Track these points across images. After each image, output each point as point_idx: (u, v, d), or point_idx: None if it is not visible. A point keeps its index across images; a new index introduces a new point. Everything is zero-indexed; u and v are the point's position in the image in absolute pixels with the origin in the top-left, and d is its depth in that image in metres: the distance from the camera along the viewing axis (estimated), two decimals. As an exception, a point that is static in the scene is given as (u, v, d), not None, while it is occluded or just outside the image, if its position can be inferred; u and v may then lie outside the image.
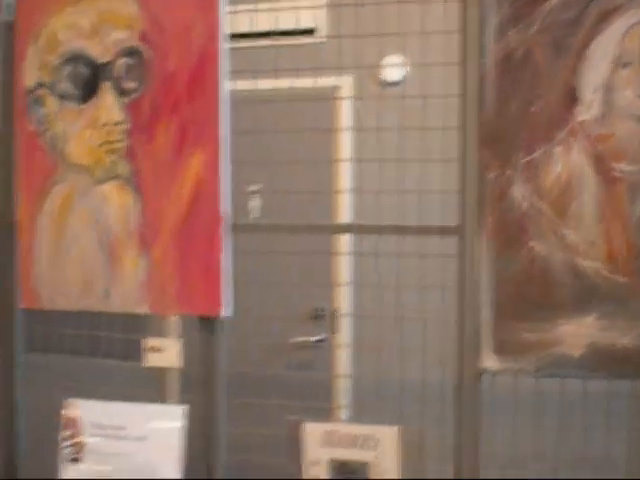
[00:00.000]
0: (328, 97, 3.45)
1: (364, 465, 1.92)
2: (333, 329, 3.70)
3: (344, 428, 1.95)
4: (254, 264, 2.62)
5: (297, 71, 2.63)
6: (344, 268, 3.52)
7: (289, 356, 3.69)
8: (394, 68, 3.07)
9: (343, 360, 3.59)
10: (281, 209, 2.87)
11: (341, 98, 3.46)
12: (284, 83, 2.86)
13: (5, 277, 2.45)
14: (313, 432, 1.97)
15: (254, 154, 2.63)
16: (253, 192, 3.66)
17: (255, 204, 3.66)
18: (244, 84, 2.50)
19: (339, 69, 2.95)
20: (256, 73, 2.74)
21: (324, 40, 3.44)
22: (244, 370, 2.45)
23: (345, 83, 3.49)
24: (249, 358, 2.70)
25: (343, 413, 3.38)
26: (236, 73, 2.22)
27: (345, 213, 3.53)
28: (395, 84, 3.23)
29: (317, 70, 2.75)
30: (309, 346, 3.72)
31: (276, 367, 3.47)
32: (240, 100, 2.23)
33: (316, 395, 2.62)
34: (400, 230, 2.18)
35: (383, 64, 3.17)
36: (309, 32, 3.43)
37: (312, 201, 2.84)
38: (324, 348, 3.71)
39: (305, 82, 2.88)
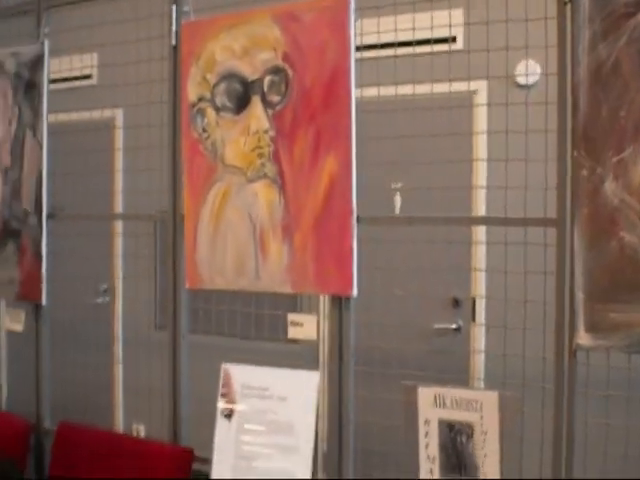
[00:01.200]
0: (465, 101, 3.74)
1: (469, 425, 2.24)
2: (471, 317, 3.98)
3: (452, 392, 2.28)
4: (399, 253, 2.99)
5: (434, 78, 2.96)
6: (480, 257, 3.81)
7: (429, 341, 4.01)
8: (523, 75, 3.34)
9: (479, 344, 3.88)
10: (423, 204, 3.19)
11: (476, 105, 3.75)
12: (424, 89, 3.19)
13: (175, 261, 2.94)
14: (426, 395, 2.32)
15: (399, 155, 2.98)
16: (396, 189, 4.02)
17: (398, 199, 4.02)
18: (387, 90, 2.87)
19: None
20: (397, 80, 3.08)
21: (460, 48, 3.74)
22: (379, 346, 2.80)
23: (480, 87, 3.78)
24: (387, 337, 3.05)
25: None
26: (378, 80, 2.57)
27: (480, 206, 3.82)
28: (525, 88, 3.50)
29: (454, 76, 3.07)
30: (448, 333, 4.03)
31: (414, 350, 3.81)
32: (383, 106, 2.59)
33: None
34: (506, 222, 2.48)
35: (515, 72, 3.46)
36: (446, 40, 3.73)
37: (449, 197, 3.16)
38: (461, 335, 4.01)
39: (443, 87, 3.20)
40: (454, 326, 4.02)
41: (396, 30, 2.78)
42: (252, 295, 2.87)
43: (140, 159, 3.91)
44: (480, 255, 3.77)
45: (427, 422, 2.32)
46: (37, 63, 3.18)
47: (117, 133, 5.14)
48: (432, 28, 2.92)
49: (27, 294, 3.26)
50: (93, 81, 5.13)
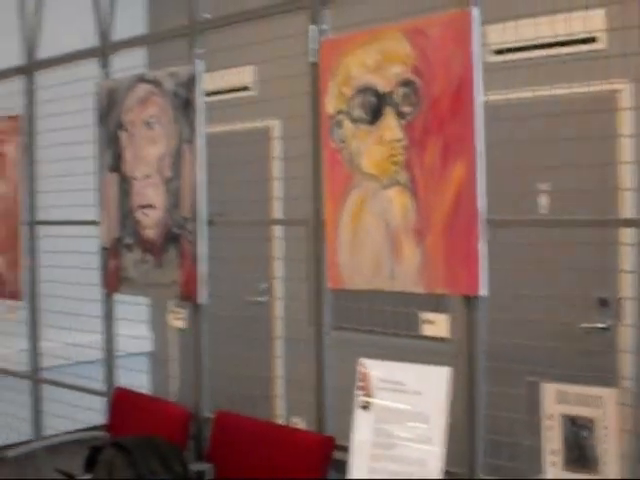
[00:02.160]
0: (608, 102, 3.78)
1: (590, 420, 2.35)
2: (619, 316, 4.01)
3: (574, 388, 2.39)
4: (543, 254, 3.11)
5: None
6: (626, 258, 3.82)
7: (574, 340, 4.06)
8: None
9: (626, 344, 3.90)
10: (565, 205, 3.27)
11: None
12: (565, 90, 3.28)
13: (317, 263, 3.18)
14: (549, 391, 2.44)
15: (542, 157, 3.10)
16: (542, 191, 4.10)
17: (543, 201, 4.10)
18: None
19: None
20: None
21: (603, 47, 3.79)
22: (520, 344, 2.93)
23: (623, 88, 3.80)
24: (530, 336, 3.16)
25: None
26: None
27: (627, 208, 3.83)
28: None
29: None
30: (594, 332, 4.06)
31: (560, 349, 3.88)
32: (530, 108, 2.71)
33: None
34: None
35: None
36: (585, 41, 3.79)
37: (594, 198, 3.24)
38: (608, 335, 4.03)
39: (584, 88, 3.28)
40: (601, 326, 4.05)
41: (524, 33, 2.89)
42: (388, 294, 3.05)
43: (292, 167, 4.20)
44: (626, 256, 3.80)
45: (551, 417, 2.44)
46: (192, 82, 3.51)
47: (273, 143, 5.48)
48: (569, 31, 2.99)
49: (188, 294, 3.60)
50: (251, 93, 5.47)
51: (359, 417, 2.88)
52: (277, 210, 5.31)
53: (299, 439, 3.18)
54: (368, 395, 2.87)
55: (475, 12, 2.64)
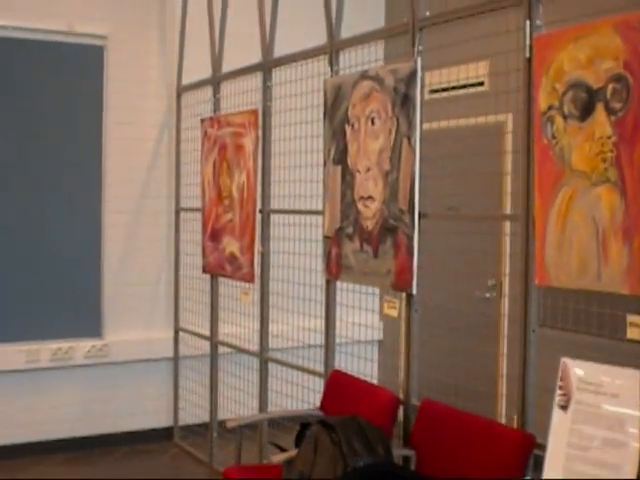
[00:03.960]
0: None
1: None
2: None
3: None
4: None
5: None
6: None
7: None
8: None
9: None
10: None
11: None
12: None
13: (527, 260, 3.20)
14: None
15: None
16: None
17: None
18: None
19: None
20: None
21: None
22: None
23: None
24: None
25: None
26: None
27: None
28: None
29: None
30: None
31: None
32: None
33: None
34: None
35: None
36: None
37: None
38: None
39: None
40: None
41: None
42: (595, 294, 3.02)
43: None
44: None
45: None
46: (412, 78, 3.64)
47: (507, 137, 5.48)
48: None
49: (401, 284, 3.74)
50: (484, 88, 5.51)
51: (557, 416, 2.89)
52: (507, 205, 5.33)
53: (501, 434, 3.23)
54: (567, 395, 2.87)
55: (692, 4, 2.56)
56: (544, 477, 2.84)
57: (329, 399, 4.12)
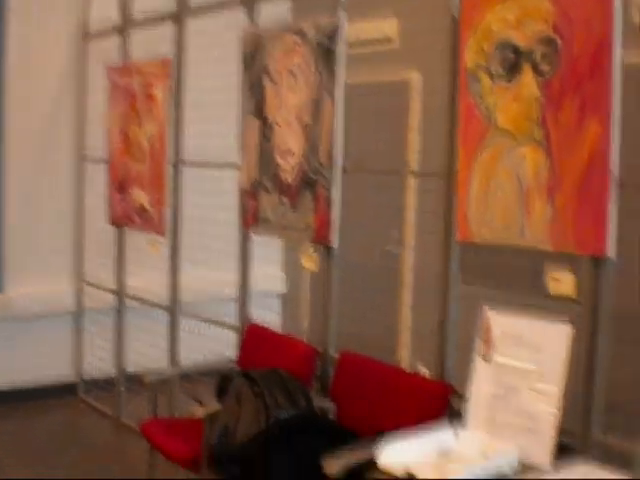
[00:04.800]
0: None
1: None
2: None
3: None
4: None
5: None
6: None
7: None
8: None
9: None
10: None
11: None
12: None
13: (448, 215, 3.27)
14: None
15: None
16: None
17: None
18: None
19: None
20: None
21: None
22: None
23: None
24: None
25: None
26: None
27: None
28: None
29: None
30: None
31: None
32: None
33: None
34: None
35: None
36: None
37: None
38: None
39: None
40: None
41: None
42: (516, 250, 3.12)
43: (430, 121, 4.28)
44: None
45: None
46: (335, 33, 3.62)
47: (414, 95, 5.54)
48: None
49: (321, 238, 3.76)
50: (393, 45, 5.53)
51: (479, 367, 2.99)
52: (413, 162, 5.40)
53: (419, 384, 3.31)
54: (489, 346, 2.97)
55: (619, -31, 2.64)
56: (466, 426, 2.94)
57: (246, 352, 4.13)
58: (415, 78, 5.52)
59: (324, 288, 3.82)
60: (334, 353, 3.77)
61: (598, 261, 2.77)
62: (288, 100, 3.91)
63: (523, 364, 2.87)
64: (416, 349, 5.29)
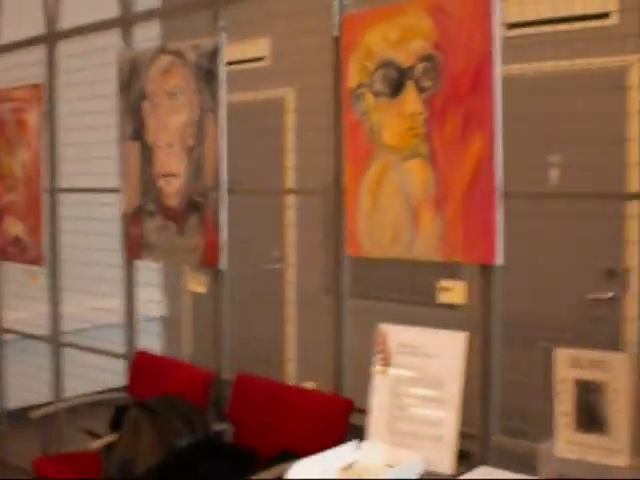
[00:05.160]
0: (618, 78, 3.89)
1: (601, 384, 2.48)
2: (625, 287, 4.15)
3: (586, 353, 2.52)
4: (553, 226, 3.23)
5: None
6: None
7: (581, 308, 4.21)
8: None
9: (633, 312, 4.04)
10: (573, 179, 3.40)
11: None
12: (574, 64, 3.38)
13: (336, 231, 3.30)
14: (563, 356, 2.57)
15: (552, 131, 3.21)
16: (552, 164, 4.22)
17: (554, 174, 4.22)
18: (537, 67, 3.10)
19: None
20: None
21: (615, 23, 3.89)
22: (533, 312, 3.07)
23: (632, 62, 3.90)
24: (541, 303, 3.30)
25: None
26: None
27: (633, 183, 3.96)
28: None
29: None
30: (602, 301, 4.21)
31: (567, 318, 4.01)
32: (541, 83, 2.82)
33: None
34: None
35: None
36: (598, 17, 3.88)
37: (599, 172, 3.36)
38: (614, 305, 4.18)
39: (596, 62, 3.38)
40: (609, 295, 4.20)
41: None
42: (408, 264, 3.18)
43: (308, 139, 4.31)
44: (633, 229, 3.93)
45: (563, 381, 2.57)
46: (215, 54, 3.61)
47: (289, 114, 5.59)
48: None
49: (209, 260, 3.73)
50: (266, 63, 5.56)
51: (377, 380, 3.02)
52: (290, 180, 5.44)
53: (318, 401, 3.32)
54: (386, 359, 3.01)
55: (497, -10, 2.74)
56: (368, 439, 2.97)
57: (137, 381, 4.04)
58: (290, 96, 5.58)
59: (215, 310, 3.78)
60: (229, 375, 3.73)
61: (487, 269, 2.86)
62: (169, 122, 3.86)
63: (421, 374, 2.92)
64: (304, 365, 5.31)
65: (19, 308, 5.09)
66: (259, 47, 5.62)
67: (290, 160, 5.41)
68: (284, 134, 5.55)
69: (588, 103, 3.25)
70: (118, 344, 4.34)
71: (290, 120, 5.56)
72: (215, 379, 3.74)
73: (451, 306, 3.04)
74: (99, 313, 4.65)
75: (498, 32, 2.75)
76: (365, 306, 3.37)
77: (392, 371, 2.99)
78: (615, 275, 4.18)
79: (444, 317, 3.20)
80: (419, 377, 2.92)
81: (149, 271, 4.60)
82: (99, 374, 4.55)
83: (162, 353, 6.06)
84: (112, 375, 4.40)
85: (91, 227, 4.57)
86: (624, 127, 3.91)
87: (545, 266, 3.73)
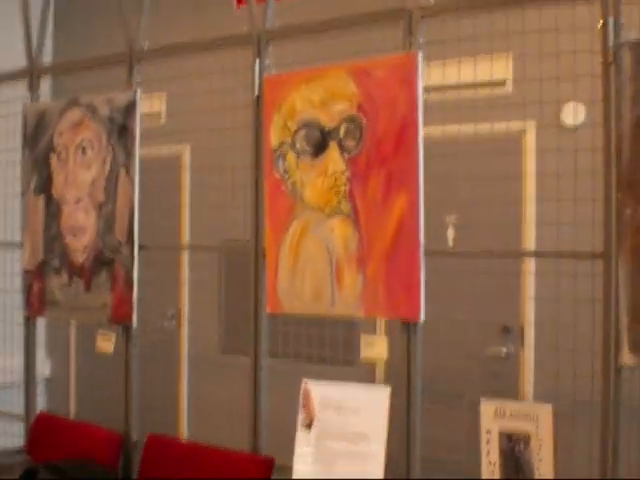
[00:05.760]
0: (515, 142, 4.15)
1: (526, 434, 2.62)
2: (520, 342, 4.38)
3: (511, 405, 2.66)
4: (455, 284, 3.39)
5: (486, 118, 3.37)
6: (529, 288, 4.19)
7: (482, 363, 4.41)
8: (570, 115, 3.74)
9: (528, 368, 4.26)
10: (474, 238, 3.57)
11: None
12: (470, 129, 3.58)
13: (256, 289, 3.36)
14: (488, 408, 2.70)
15: (449, 193, 3.39)
16: (450, 222, 4.42)
17: (451, 232, 4.42)
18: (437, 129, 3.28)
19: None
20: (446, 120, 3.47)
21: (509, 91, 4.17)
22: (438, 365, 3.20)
23: (529, 128, 4.18)
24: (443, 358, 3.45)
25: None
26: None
27: (528, 241, 4.22)
28: (572, 130, 3.89)
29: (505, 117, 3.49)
30: (499, 358, 4.43)
31: (469, 372, 4.18)
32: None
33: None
34: (560, 255, 2.87)
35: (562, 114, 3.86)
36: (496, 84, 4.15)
37: (498, 232, 3.56)
38: (511, 360, 4.40)
39: (496, 127, 3.59)
40: (505, 350, 4.41)
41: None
42: (326, 321, 3.27)
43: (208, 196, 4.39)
44: (529, 286, 4.17)
45: (489, 432, 2.70)
46: (130, 109, 3.64)
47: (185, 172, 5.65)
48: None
49: (119, 317, 3.70)
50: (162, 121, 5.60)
51: (302, 435, 3.07)
52: (184, 237, 5.48)
53: (238, 461, 3.33)
54: (310, 414, 3.07)
55: (420, 56, 2.91)
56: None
57: (38, 443, 3.93)
58: (186, 154, 5.63)
59: (126, 369, 3.75)
60: (136, 436, 3.70)
61: (410, 325, 2.98)
62: (77, 176, 3.85)
63: (345, 428, 2.99)
64: (200, 424, 5.29)
65: None
66: (154, 103, 5.66)
67: (185, 217, 5.47)
68: (180, 191, 5.61)
69: (488, 165, 3.46)
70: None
71: (185, 178, 5.62)
72: (123, 440, 3.69)
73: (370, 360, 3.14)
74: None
75: (421, 96, 2.91)
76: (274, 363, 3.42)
77: (315, 425, 3.05)
78: (510, 331, 4.41)
79: (360, 373, 3.31)
80: (343, 431, 2.99)
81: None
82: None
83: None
84: (9, 437, 4.28)
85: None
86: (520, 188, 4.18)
87: (450, 322, 3.88)
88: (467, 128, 3.59)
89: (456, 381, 4.02)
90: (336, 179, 3.10)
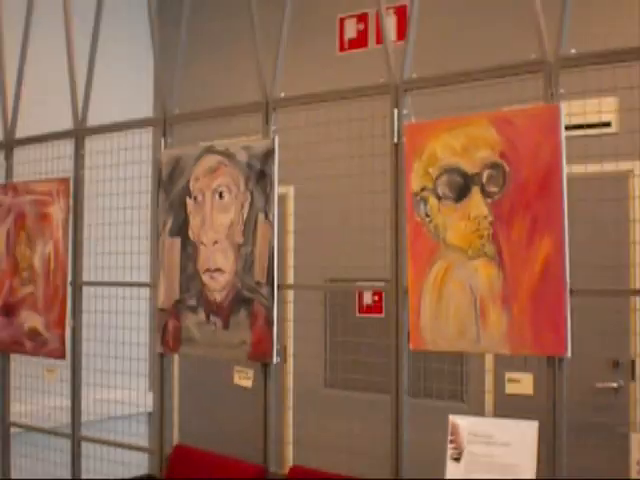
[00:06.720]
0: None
1: None
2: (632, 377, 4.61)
3: (665, 439, 2.88)
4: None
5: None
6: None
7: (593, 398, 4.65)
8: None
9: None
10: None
11: None
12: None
13: (397, 326, 3.62)
14: (636, 440, 2.93)
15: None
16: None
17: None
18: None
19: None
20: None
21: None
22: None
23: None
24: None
25: None
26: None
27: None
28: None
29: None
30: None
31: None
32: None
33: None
34: None
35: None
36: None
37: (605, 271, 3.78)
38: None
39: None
40: (615, 385, 4.68)
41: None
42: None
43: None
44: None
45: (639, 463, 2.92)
46: (268, 155, 3.94)
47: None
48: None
49: (259, 355, 3.99)
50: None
51: (451, 468, 3.32)
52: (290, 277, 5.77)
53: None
54: (458, 447, 3.31)
55: (562, 106, 3.16)
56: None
57: (176, 476, 4.22)
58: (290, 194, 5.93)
59: (264, 404, 4.03)
60: (277, 468, 3.97)
61: (556, 360, 3.21)
62: (215, 219, 4.15)
63: (494, 462, 3.23)
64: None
65: (27, 401, 5.23)
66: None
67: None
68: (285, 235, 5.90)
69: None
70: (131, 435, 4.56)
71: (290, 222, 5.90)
72: (265, 473, 3.97)
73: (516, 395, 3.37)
74: (123, 407, 4.83)
75: (564, 141, 3.15)
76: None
77: (465, 459, 3.30)
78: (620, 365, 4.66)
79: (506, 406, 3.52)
80: (491, 465, 3.22)
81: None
82: (120, 469, 4.72)
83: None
84: (128, 467, 4.59)
85: (117, 321, 4.79)
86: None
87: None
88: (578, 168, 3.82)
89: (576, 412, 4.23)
90: (479, 222, 3.35)
